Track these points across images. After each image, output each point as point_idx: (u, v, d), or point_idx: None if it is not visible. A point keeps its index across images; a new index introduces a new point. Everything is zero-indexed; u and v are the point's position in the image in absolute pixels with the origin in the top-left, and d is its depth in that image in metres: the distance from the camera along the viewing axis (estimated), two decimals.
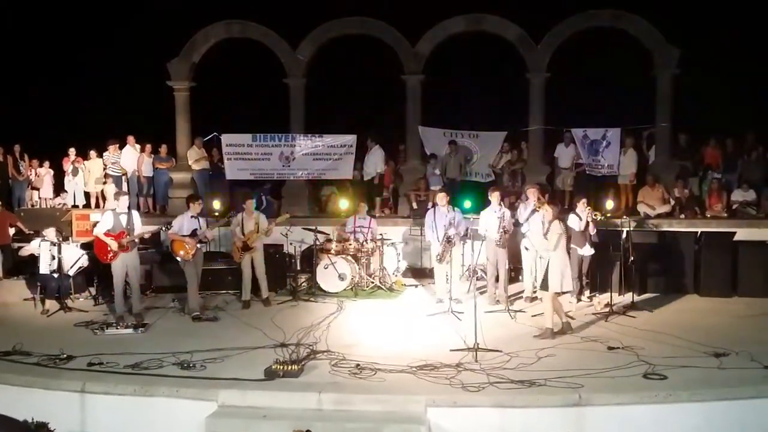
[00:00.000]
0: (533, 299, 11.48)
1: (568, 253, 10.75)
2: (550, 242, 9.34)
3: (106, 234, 10.41)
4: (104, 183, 16.52)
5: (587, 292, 11.53)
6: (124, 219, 10.53)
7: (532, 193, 11.40)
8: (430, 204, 15.01)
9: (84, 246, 12.45)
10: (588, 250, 11.17)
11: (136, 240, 10.72)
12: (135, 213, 10.94)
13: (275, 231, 12.22)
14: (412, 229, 14.37)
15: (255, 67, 17.57)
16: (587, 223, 11.05)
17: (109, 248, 10.39)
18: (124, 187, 16.19)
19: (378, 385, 7.52)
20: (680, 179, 14.97)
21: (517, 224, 11.78)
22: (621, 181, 15.40)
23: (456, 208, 11.55)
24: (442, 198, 11.45)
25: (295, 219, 13.92)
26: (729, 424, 7.17)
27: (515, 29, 15.79)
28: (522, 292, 11.93)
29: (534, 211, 11.15)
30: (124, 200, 10.86)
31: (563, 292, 9.59)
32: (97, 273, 12.18)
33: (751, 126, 15.57)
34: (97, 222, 11.10)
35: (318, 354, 8.52)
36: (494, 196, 11.35)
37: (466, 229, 11.56)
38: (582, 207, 11.15)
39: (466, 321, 9.69)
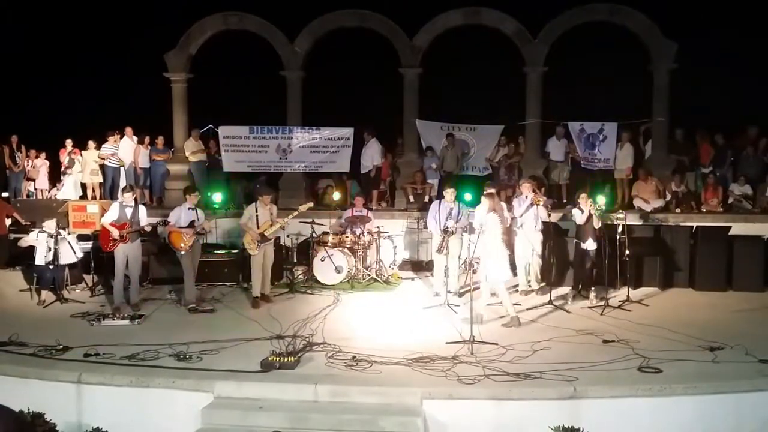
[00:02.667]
0: (527, 293, 11.52)
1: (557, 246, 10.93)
2: (486, 233, 9.61)
3: (111, 224, 10.59)
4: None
5: (584, 289, 11.48)
6: (129, 211, 10.70)
7: (526, 188, 11.43)
8: (427, 197, 15.10)
9: (82, 237, 12.50)
10: (591, 244, 11.14)
11: (141, 232, 10.86)
12: (142, 207, 11.10)
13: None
14: (409, 222, 14.37)
15: (252, 59, 17.53)
16: (590, 216, 11.05)
17: (110, 236, 10.55)
18: (122, 179, 16.19)
19: (374, 378, 7.54)
20: (676, 174, 15.00)
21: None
22: (617, 176, 15.43)
23: (461, 203, 11.56)
24: (450, 194, 11.44)
25: (292, 211, 13.89)
26: (723, 418, 7.21)
27: (513, 23, 15.78)
28: (517, 285, 11.96)
29: (530, 206, 11.21)
30: (129, 197, 10.94)
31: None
32: (94, 264, 12.21)
33: (749, 121, 15.57)
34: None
35: (314, 346, 8.54)
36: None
37: (469, 224, 11.57)
38: (584, 201, 11.16)
39: (462, 314, 9.71)
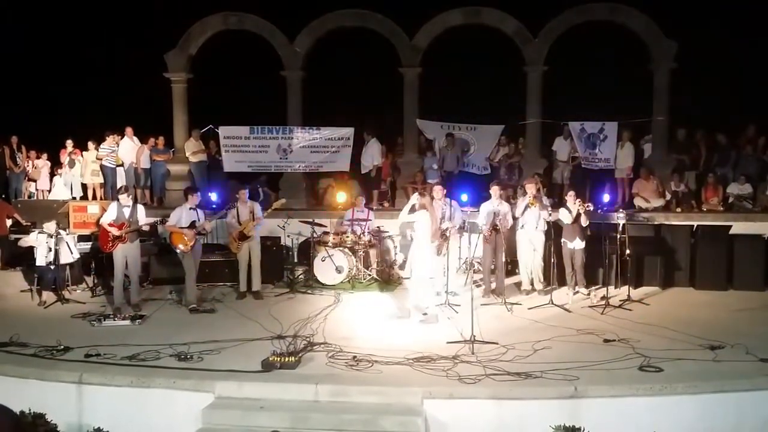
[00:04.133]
0: (529, 292, 11.51)
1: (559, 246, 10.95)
2: (416, 231, 9.85)
3: (110, 224, 10.59)
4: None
5: (576, 285, 11.45)
6: (127, 211, 10.70)
7: (530, 188, 11.41)
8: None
9: (82, 238, 12.50)
10: (578, 244, 11.15)
11: (139, 231, 10.83)
12: (140, 207, 11.10)
13: (272, 222, 12.19)
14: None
15: (252, 59, 17.52)
16: (578, 215, 11.05)
17: (109, 237, 10.54)
18: (119, 179, 16.21)
19: (375, 377, 7.55)
20: (676, 173, 14.99)
21: (514, 218, 11.81)
22: (618, 175, 15.41)
23: (453, 201, 11.55)
24: (438, 191, 11.45)
25: (293, 211, 13.93)
26: (724, 417, 7.22)
27: (513, 22, 15.78)
28: (518, 284, 11.96)
29: (528, 205, 11.21)
30: (124, 198, 10.95)
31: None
32: (95, 264, 12.22)
33: (748, 120, 15.58)
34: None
35: (315, 346, 8.55)
36: (493, 191, 11.36)
37: (463, 222, 11.57)
38: (572, 200, 11.16)
39: (463, 313, 9.71)
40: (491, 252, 11.33)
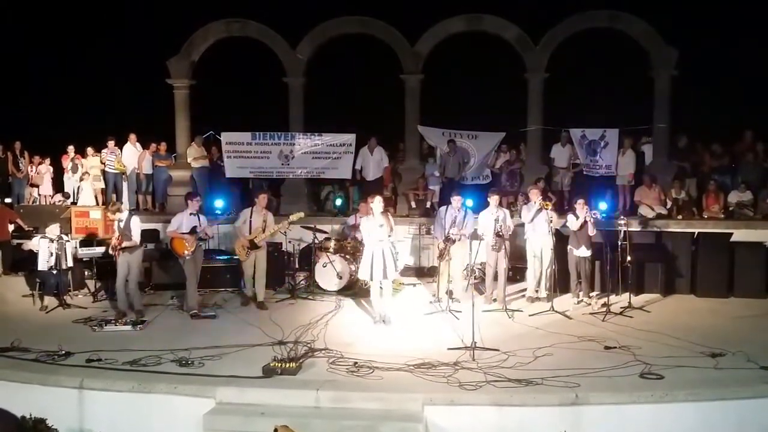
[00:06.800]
0: (534, 300, 11.48)
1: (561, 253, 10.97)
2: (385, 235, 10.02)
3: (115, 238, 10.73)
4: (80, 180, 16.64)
5: (582, 293, 11.45)
6: (121, 224, 10.71)
7: (534, 194, 11.43)
8: (429, 203, 15.13)
9: (84, 243, 12.55)
10: (584, 251, 11.15)
11: (132, 244, 10.74)
12: (134, 218, 10.93)
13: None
14: (411, 228, 14.39)
15: (254, 65, 17.59)
16: (584, 223, 11.05)
17: (112, 244, 10.68)
18: (124, 185, 16.26)
19: (375, 383, 7.55)
20: (677, 180, 15.00)
21: (520, 224, 11.83)
22: (619, 182, 15.43)
23: (468, 210, 11.56)
24: (456, 201, 11.43)
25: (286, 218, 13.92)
26: (725, 424, 7.20)
27: (514, 29, 15.83)
28: (520, 291, 11.96)
29: (539, 210, 11.22)
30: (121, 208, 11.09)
31: None
32: (96, 269, 12.24)
33: (748, 127, 15.60)
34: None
35: (316, 352, 8.56)
36: (493, 199, 11.37)
37: (474, 231, 11.57)
38: (580, 207, 11.16)
39: (464, 320, 9.72)
40: (495, 259, 11.31)
